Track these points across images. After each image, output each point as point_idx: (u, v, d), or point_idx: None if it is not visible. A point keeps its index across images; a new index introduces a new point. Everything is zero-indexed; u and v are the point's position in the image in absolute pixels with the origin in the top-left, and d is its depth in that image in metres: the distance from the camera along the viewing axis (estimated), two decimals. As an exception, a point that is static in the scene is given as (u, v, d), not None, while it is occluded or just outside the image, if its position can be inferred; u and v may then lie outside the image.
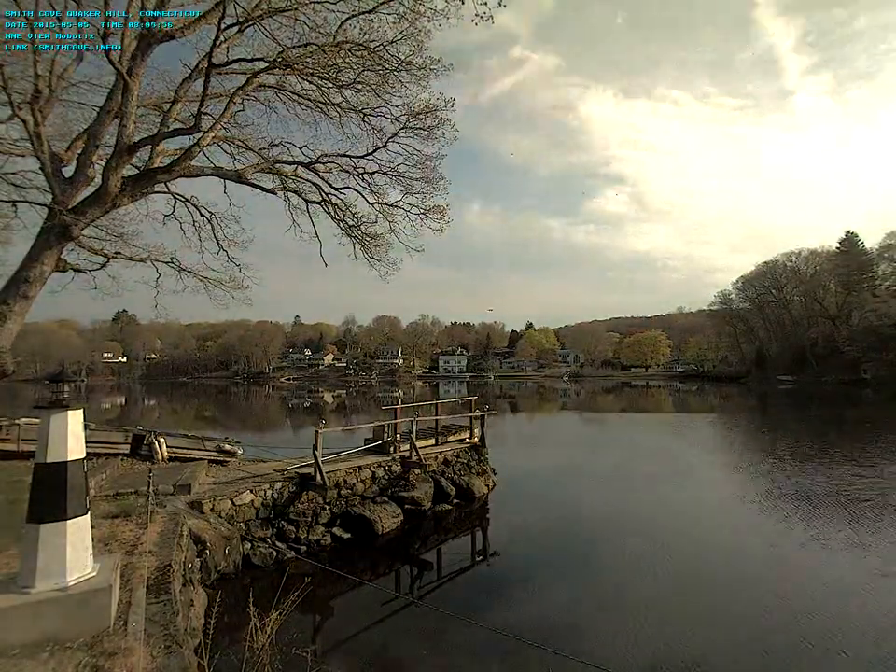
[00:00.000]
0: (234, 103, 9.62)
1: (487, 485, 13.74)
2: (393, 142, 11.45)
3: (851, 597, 7.30)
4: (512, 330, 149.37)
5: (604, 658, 5.50)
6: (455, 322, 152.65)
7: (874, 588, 7.56)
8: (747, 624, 6.55)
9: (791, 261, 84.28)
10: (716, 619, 6.79)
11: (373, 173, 11.92)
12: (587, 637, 6.33)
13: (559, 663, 5.34)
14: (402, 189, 12.02)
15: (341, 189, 11.93)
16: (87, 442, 4.58)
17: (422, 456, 12.13)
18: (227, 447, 12.29)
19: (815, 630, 6.39)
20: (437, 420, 14.32)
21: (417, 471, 12.15)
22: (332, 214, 12.03)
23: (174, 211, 11.73)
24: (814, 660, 5.77)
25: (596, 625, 6.68)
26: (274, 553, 8.53)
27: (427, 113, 10.92)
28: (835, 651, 5.92)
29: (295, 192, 11.92)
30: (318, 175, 11.57)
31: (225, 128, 10.86)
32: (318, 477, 9.94)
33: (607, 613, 7.01)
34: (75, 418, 4.26)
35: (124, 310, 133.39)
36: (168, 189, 11.07)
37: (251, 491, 9.39)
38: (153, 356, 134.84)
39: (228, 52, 9.66)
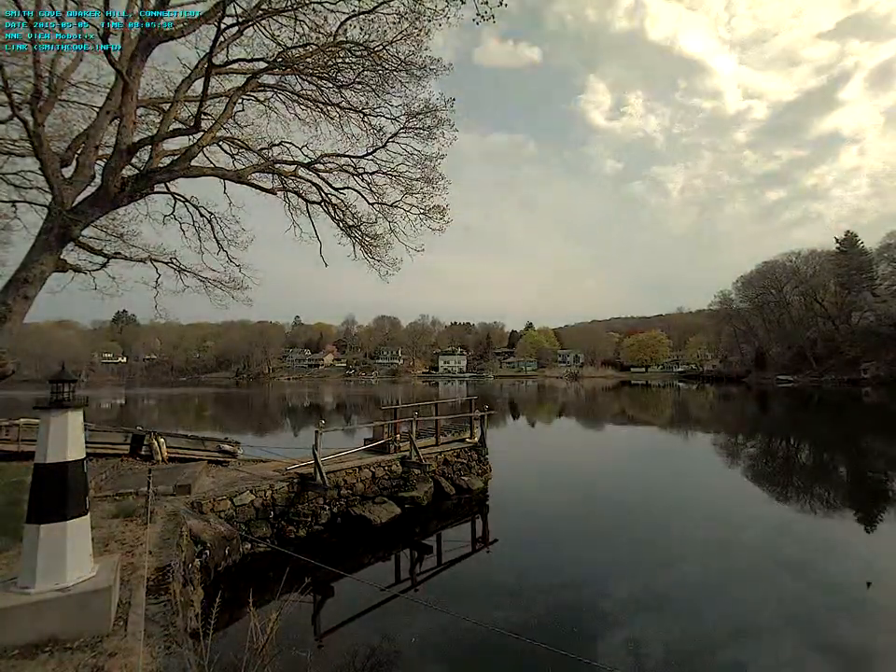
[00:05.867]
0: (234, 103, 9.62)
1: (486, 483, 13.77)
2: (393, 142, 11.45)
3: None
4: (512, 330, 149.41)
5: (602, 653, 5.51)
6: (455, 322, 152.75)
7: None
8: (736, 621, 6.55)
9: (791, 261, 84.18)
10: (702, 599, 6.81)
11: (373, 173, 11.92)
12: (587, 632, 6.33)
13: (558, 659, 5.34)
14: (402, 189, 12.02)
15: (340, 189, 11.92)
16: (87, 443, 4.58)
17: (422, 456, 12.13)
18: (227, 447, 12.30)
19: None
20: (437, 420, 14.32)
21: (417, 471, 12.16)
22: (332, 214, 12.02)
23: (174, 211, 11.72)
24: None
25: (597, 620, 6.68)
26: (274, 554, 8.53)
27: (426, 113, 10.92)
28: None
29: (295, 192, 11.91)
30: (318, 174, 11.56)
31: (225, 128, 10.85)
32: (318, 477, 9.94)
33: (607, 607, 7.02)
34: (75, 418, 4.26)
35: (124, 310, 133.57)
36: (168, 189, 11.06)
37: (251, 491, 9.39)
38: (153, 356, 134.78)
39: (228, 52, 9.65)
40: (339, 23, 9.04)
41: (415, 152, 11.64)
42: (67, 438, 4.16)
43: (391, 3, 8.64)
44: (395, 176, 11.90)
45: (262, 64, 9.53)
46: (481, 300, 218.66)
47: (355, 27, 9.08)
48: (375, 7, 8.66)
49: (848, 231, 80.00)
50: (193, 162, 9.00)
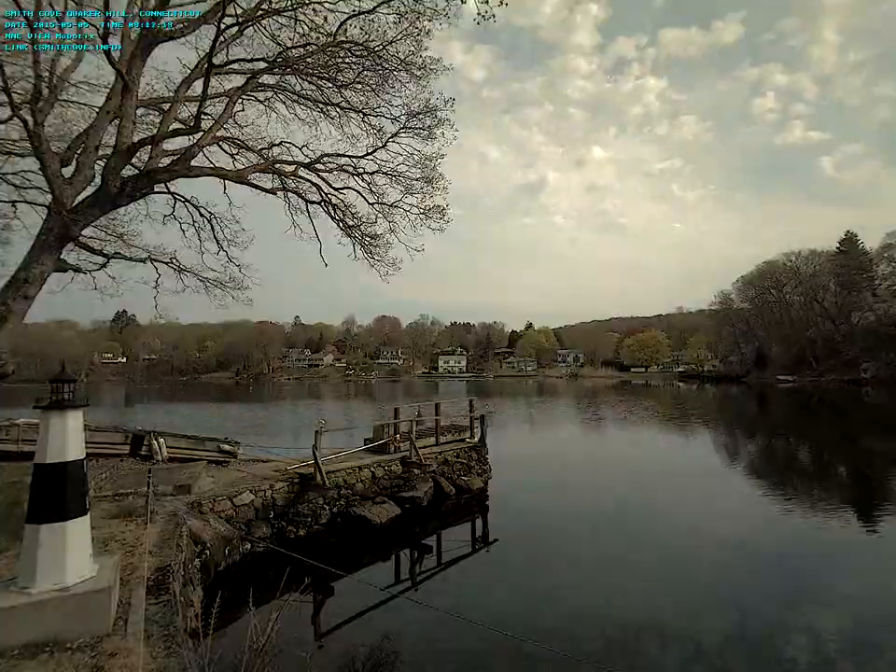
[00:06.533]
0: (234, 103, 9.61)
1: (486, 483, 13.77)
2: (393, 142, 11.43)
3: None
4: (512, 330, 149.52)
5: (602, 652, 5.51)
6: (455, 322, 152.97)
7: None
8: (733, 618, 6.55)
9: (791, 261, 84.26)
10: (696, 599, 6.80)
11: (373, 173, 11.91)
12: (587, 632, 6.32)
13: (558, 659, 5.35)
14: (402, 189, 12.00)
15: (341, 189, 11.90)
16: (87, 443, 4.58)
17: (422, 456, 12.14)
18: (227, 447, 12.29)
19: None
20: (437, 420, 14.32)
21: (417, 471, 12.16)
22: (332, 214, 12.01)
23: (174, 211, 11.69)
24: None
25: (597, 620, 6.68)
26: (274, 554, 8.53)
27: (426, 113, 10.91)
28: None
29: (295, 192, 11.89)
30: (318, 174, 11.54)
31: (225, 128, 10.83)
32: (318, 477, 9.94)
33: (607, 606, 7.02)
34: (75, 418, 4.26)
35: (124, 310, 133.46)
36: (168, 189, 11.04)
37: (251, 491, 9.39)
38: (153, 356, 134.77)
39: (228, 52, 9.65)
40: (339, 23, 9.02)
41: (415, 152, 11.63)
42: (67, 438, 4.16)
43: (391, 3, 8.62)
44: (395, 176, 11.88)
45: (262, 64, 9.52)
46: (481, 300, 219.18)
47: (355, 27, 9.07)
48: (375, 7, 8.66)
49: (848, 231, 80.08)
50: (193, 162, 8.99)
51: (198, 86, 9.22)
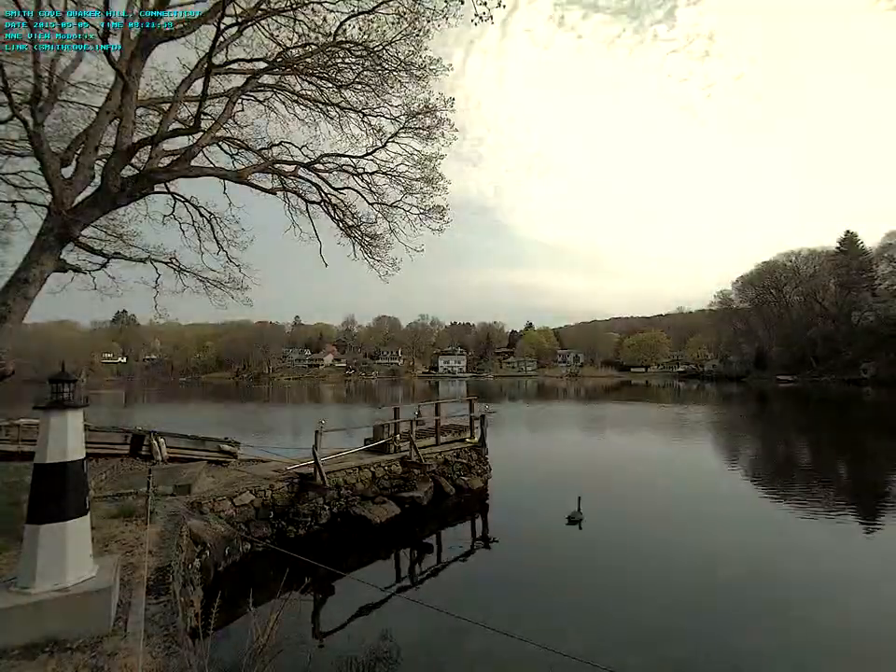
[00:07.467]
0: (234, 103, 9.62)
1: (486, 483, 13.78)
2: (392, 142, 11.44)
3: None
4: (512, 330, 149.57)
5: (602, 653, 5.51)
6: (455, 322, 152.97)
7: None
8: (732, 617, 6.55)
9: (791, 261, 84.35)
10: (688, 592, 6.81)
11: (373, 173, 11.91)
12: (587, 632, 6.33)
13: (558, 660, 5.34)
14: (402, 189, 12.01)
15: (340, 189, 11.90)
16: (87, 443, 4.58)
17: (422, 456, 12.14)
18: (227, 447, 12.29)
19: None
20: (437, 420, 14.32)
21: (417, 471, 12.16)
22: (332, 214, 12.01)
23: (173, 211, 11.68)
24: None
25: (597, 620, 6.68)
26: (274, 554, 8.53)
27: (426, 113, 10.91)
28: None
29: (294, 192, 11.89)
30: (318, 174, 11.54)
31: (225, 128, 10.83)
32: (318, 477, 9.95)
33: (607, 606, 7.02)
34: (75, 418, 4.26)
35: (124, 310, 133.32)
36: (168, 189, 11.03)
37: (251, 491, 9.39)
38: (153, 356, 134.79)
39: (227, 52, 9.65)
40: (338, 23, 9.02)
41: (415, 152, 11.64)
42: (67, 438, 4.16)
43: (391, 3, 8.63)
44: (395, 176, 11.89)
45: (262, 64, 9.53)
46: (481, 300, 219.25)
47: (354, 27, 9.07)
48: (375, 7, 8.66)
49: (848, 231, 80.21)
50: (193, 162, 8.99)
51: (198, 86, 9.22)
